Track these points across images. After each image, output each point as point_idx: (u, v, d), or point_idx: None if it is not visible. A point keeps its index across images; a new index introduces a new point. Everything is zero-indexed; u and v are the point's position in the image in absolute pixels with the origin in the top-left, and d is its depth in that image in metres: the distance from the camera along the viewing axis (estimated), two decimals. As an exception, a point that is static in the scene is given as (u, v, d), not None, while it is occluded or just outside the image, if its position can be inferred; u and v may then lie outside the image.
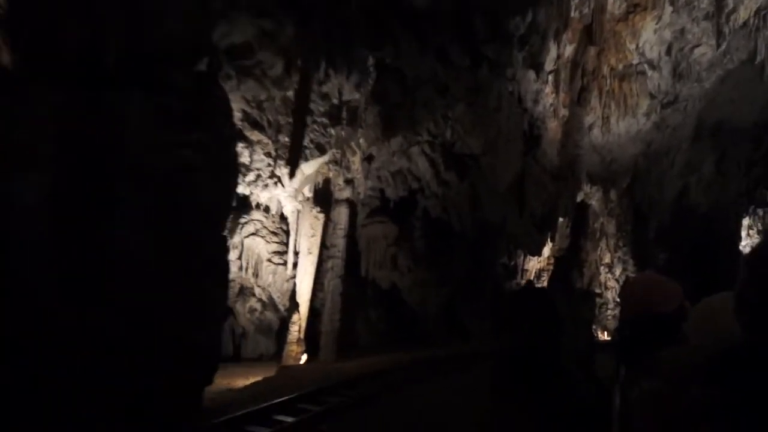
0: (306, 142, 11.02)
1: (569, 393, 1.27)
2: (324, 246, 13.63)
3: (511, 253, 22.83)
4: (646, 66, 16.12)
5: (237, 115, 9.25)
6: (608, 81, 16.86)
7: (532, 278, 25.29)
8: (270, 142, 10.81)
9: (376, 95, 11.50)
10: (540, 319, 1.36)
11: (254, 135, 10.78)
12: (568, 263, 27.32)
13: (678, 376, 0.75)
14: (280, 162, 10.99)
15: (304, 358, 12.67)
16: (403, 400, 8.69)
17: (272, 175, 11.52)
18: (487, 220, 16.24)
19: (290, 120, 10.55)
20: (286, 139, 10.73)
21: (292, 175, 10.67)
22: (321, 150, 11.50)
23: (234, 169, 7.67)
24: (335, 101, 11.24)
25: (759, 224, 32.36)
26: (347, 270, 14.66)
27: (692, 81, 17.53)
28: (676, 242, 27.37)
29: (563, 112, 15.65)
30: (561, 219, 23.63)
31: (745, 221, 32.42)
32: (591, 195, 23.62)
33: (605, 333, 24.26)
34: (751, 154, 30.00)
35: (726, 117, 24.44)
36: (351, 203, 14.01)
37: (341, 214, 13.56)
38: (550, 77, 14.69)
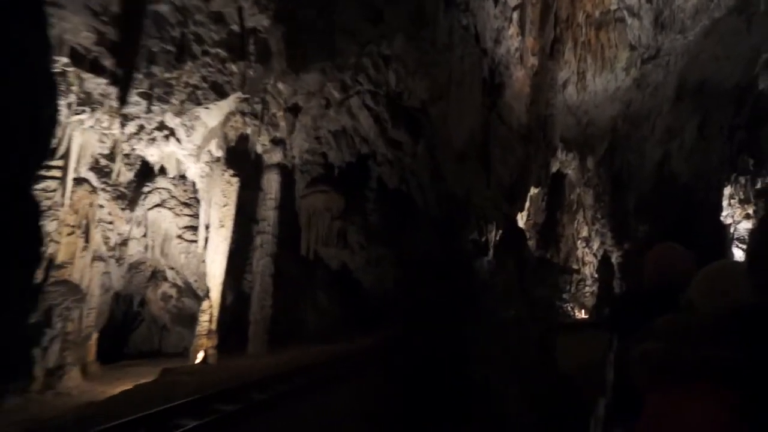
0: (196, 80, 8.28)
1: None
2: (253, 220, 10.90)
3: (481, 228, 20.19)
4: (625, 12, 13.60)
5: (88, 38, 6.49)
6: (584, 30, 14.24)
7: None
8: (142, 76, 8.03)
9: (280, 14, 8.73)
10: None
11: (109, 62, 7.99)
12: (543, 237, 24.85)
13: (683, 337, 0.67)
14: (165, 106, 8.21)
15: (212, 354, 9.99)
16: (297, 413, 6.11)
17: (161, 126, 8.75)
18: (453, 193, 13.62)
19: (170, 48, 7.78)
20: (168, 74, 7.96)
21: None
22: (220, 92, 8.77)
23: None
24: (235, 27, 8.48)
25: (741, 193, 30.04)
26: (288, 248, 11.90)
27: (675, 32, 15.05)
28: (657, 214, 25.01)
29: (532, 61, 13.08)
30: (535, 189, 21.06)
31: (727, 190, 30.05)
32: (567, 163, 21.12)
33: (582, 311, 21.86)
34: (732, 118, 27.61)
35: (709, 76, 22.01)
36: (284, 169, 11.29)
37: (271, 181, 10.94)
38: (515, 15, 12.03)
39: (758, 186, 29.31)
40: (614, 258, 21.30)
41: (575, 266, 24.11)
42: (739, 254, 31.43)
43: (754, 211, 30.37)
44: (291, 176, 11.72)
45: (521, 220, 22.80)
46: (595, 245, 21.72)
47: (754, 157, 29.38)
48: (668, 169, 25.74)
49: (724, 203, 30.50)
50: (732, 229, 31.08)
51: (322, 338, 13.44)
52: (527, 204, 22.98)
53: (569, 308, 22.37)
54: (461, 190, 13.49)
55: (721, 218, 29.35)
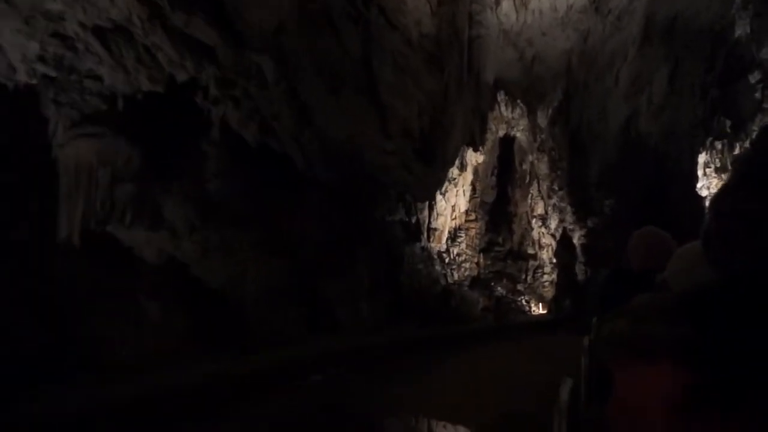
0: None
1: None
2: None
3: (409, 205, 14.40)
4: None
5: None
6: None
7: (443, 241, 16.94)
8: None
9: None
10: None
11: None
12: (493, 218, 19.22)
13: (644, 316, 0.59)
14: None
15: None
16: None
17: None
18: (341, 146, 7.96)
19: None
20: None
21: None
22: None
23: None
24: None
25: (717, 161, 24.47)
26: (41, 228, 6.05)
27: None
28: (624, 185, 19.49)
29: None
30: (476, 155, 15.44)
31: (702, 158, 24.37)
32: (514, 123, 15.49)
33: (539, 305, 16.17)
34: (705, 74, 22.09)
35: (681, 10, 16.61)
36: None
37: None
38: None
39: (736, 152, 23.92)
40: (576, 238, 15.76)
41: (531, 250, 18.47)
42: None
43: None
44: (25, 107, 5.94)
45: (462, 196, 17.04)
46: (553, 224, 16.22)
47: (731, 117, 23.94)
48: (636, 131, 20.32)
49: (699, 172, 24.89)
50: (707, 203, 25.27)
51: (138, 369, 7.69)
52: (470, 177, 17.26)
53: (524, 302, 16.70)
54: (340, 133, 7.90)
55: (697, 190, 23.78)
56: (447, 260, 17.99)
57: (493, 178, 21.08)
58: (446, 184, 16.66)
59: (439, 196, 16.76)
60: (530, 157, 17.82)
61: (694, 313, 0.56)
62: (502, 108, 16.28)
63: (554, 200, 17.06)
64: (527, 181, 18.43)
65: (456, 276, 18.07)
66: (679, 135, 22.19)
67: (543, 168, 17.19)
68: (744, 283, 0.57)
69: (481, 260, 19.27)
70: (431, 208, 16.72)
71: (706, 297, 0.57)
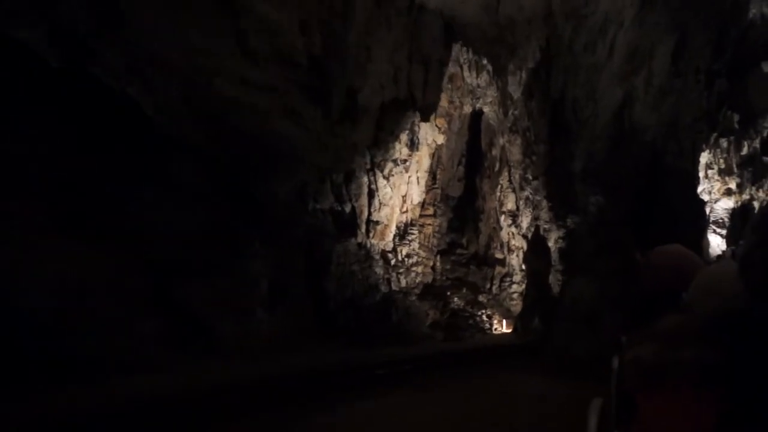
0: None
1: None
2: None
3: (338, 188, 10.63)
4: None
5: None
6: None
7: (388, 238, 13.07)
8: None
9: None
10: None
11: None
12: (458, 214, 15.63)
13: (671, 340, 0.61)
14: None
15: None
16: None
17: None
18: (177, 69, 4.12)
19: None
20: None
21: None
22: None
23: None
24: None
25: (721, 161, 20.48)
26: None
27: None
28: (614, 181, 15.65)
29: None
30: (429, 127, 11.84)
31: (704, 157, 20.30)
32: (480, 93, 11.85)
33: (503, 323, 12.34)
34: (712, 60, 18.34)
35: None
36: None
37: None
38: None
39: (743, 152, 20.20)
40: (552, 240, 11.94)
41: (499, 255, 14.69)
42: (716, 242, 21.71)
43: (738, 186, 21.02)
44: None
45: (415, 184, 13.25)
46: (525, 222, 12.47)
47: (740, 112, 20.05)
48: (630, 120, 16.62)
49: (701, 174, 20.83)
50: (708, 209, 21.35)
51: None
52: (426, 161, 13.51)
53: (484, 318, 12.88)
54: (174, 56, 4.15)
55: (698, 193, 19.84)
56: (393, 262, 14.21)
57: (461, 169, 17.34)
58: (391, 165, 12.90)
59: (382, 180, 12.97)
60: (501, 140, 14.08)
61: (729, 339, 0.52)
62: (465, 72, 12.54)
63: (527, 192, 13.35)
64: (497, 169, 14.67)
65: (404, 282, 14.31)
66: (681, 129, 18.57)
67: (515, 152, 13.48)
68: None
69: (438, 264, 15.53)
70: (371, 195, 12.92)
71: (742, 322, 0.54)
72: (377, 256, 13.86)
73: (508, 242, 14.85)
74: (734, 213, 22.47)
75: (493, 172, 15.05)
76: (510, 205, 14.58)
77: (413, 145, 13.17)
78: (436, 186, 16.15)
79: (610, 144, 16.49)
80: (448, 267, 15.88)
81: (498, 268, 15.31)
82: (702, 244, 21.54)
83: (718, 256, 21.11)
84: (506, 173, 14.39)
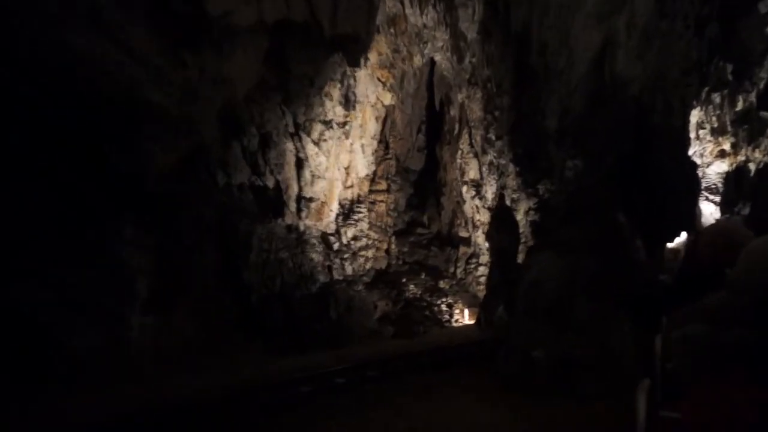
0: None
1: None
2: None
3: (254, 157, 7.93)
4: None
5: None
6: None
7: (329, 218, 10.40)
8: None
9: None
10: None
11: None
12: (418, 190, 13.23)
13: (720, 319, 0.69)
14: None
15: None
16: None
17: None
18: None
19: None
20: None
21: None
22: None
23: None
24: None
25: (714, 119, 18.17)
26: None
27: None
28: (595, 142, 13.11)
29: None
30: (368, 79, 9.31)
31: (695, 115, 17.89)
32: (428, 36, 9.34)
33: (465, 313, 9.96)
34: (701, 5, 15.77)
35: None
36: None
37: None
38: None
39: (738, 107, 17.94)
40: (522, 212, 9.50)
41: (463, 233, 12.31)
42: (709, 210, 19.42)
43: (732, 146, 18.81)
44: None
45: (360, 153, 10.80)
46: (490, 191, 9.99)
47: (733, 61, 17.74)
48: (611, 72, 14.22)
49: (692, 135, 18.49)
50: (701, 173, 19.04)
51: None
52: (371, 125, 11.09)
53: (445, 307, 10.48)
54: None
55: (690, 155, 17.54)
56: (336, 246, 11.77)
57: (421, 137, 14.85)
58: (320, 127, 10.40)
59: (312, 147, 10.50)
60: (459, 95, 11.60)
61: None
62: (407, 8, 9.99)
63: (490, 156, 10.93)
64: (456, 132, 12.21)
65: (349, 269, 11.92)
66: (669, 82, 16.23)
67: (475, 109, 11.04)
68: None
69: (394, 246, 13.13)
70: (300, 166, 10.42)
71: None
72: (314, 240, 11.42)
73: (473, 217, 12.46)
74: (728, 177, 20.01)
75: (453, 136, 12.59)
76: (473, 173, 12.16)
77: (349, 103, 10.65)
78: (389, 156, 13.67)
79: (588, 99, 14.09)
80: (405, 250, 13.48)
81: (463, 249, 12.93)
82: (694, 212, 19.13)
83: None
84: (467, 136, 11.94)
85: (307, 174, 10.80)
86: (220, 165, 9.80)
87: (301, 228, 11.17)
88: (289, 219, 10.90)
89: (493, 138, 10.88)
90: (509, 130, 10.74)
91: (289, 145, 10.18)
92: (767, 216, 18.92)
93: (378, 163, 13.35)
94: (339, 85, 10.21)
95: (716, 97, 17.26)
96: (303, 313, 10.71)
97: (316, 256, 11.40)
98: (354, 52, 8.50)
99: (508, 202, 10.93)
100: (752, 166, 18.37)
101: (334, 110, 10.54)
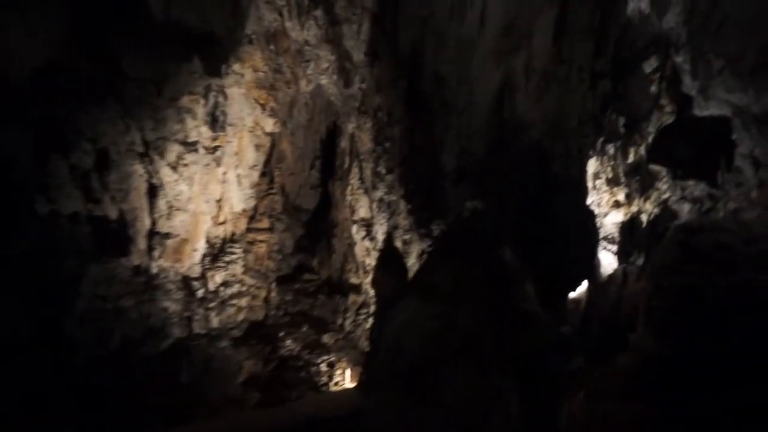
0: None
1: None
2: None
3: (86, 178, 5.72)
4: None
5: None
6: None
7: (190, 259, 8.16)
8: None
9: None
10: None
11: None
12: (310, 230, 11.57)
13: (602, 392, 0.46)
14: None
15: None
16: None
17: None
18: None
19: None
20: None
21: None
22: None
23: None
24: None
25: (609, 170, 18.24)
26: None
27: None
28: (497, 186, 12.01)
29: None
30: (245, 103, 7.55)
31: (592, 166, 17.89)
32: (310, 54, 7.89)
33: (347, 373, 8.15)
34: (594, 59, 15.91)
35: None
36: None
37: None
38: None
39: (630, 159, 18.29)
40: (414, 256, 8.08)
41: (354, 279, 10.72)
42: (607, 260, 19.34)
43: (626, 197, 19.03)
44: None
45: (236, 184, 8.99)
46: (380, 232, 8.53)
47: (624, 115, 18.10)
48: (512, 111, 13.66)
49: (590, 184, 18.43)
50: (598, 224, 18.91)
51: None
52: (250, 153, 9.49)
53: (325, 367, 8.66)
54: None
55: (588, 204, 17.28)
56: (201, 293, 9.77)
57: (314, 173, 13.37)
58: (179, 149, 8.65)
59: (168, 172, 8.65)
60: (349, 125, 10.36)
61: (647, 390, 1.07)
62: (286, 21, 8.71)
63: (381, 192, 9.71)
64: (347, 166, 10.92)
65: (216, 321, 9.88)
66: (567, 131, 16.15)
67: (365, 140, 9.82)
68: (693, 354, 1.01)
69: (274, 294, 11.31)
70: (152, 195, 8.50)
71: (654, 372, 1.20)
72: (171, 285, 9.41)
73: (364, 261, 11.03)
74: (623, 227, 20.17)
75: (343, 171, 11.29)
76: (363, 211, 10.84)
77: (217, 124, 9.03)
78: (273, 191, 12.05)
79: (490, 141, 13.48)
80: (289, 298, 11.71)
81: (352, 297, 11.40)
82: (594, 261, 18.90)
83: (610, 276, 18.72)
84: (357, 170, 10.68)
85: (162, 204, 8.91)
86: (38, 188, 7.72)
87: (153, 270, 9.14)
88: (136, 259, 8.86)
89: (384, 172, 9.68)
90: (400, 162, 9.61)
91: (137, 168, 8.31)
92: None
93: (260, 198, 11.68)
94: (203, 101, 8.61)
95: (610, 148, 17.56)
96: (147, 375, 8.55)
97: (172, 305, 9.36)
98: (211, 57, 7.01)
99: (398, 244, 9.66)
100: (644, 218, 18.78)
101: (198, 131, 8.87)
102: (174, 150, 8.55)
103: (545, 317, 3.47)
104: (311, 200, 13.74)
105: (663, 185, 18.54)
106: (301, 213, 13.52)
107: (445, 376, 3.22)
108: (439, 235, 9.11)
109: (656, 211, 19.19)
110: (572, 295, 17.09)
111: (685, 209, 19.58)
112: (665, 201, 19.02)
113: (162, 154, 8.37)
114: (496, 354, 3.20)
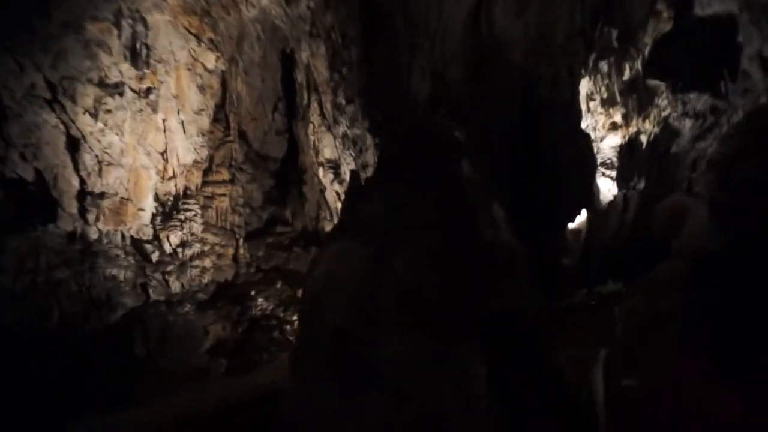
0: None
1: None
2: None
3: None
4: None
5: None
6: None
7: (137, 220, 6.75)
8: None
9: None
10: None
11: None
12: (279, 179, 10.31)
13: (655, 289, 0.62)
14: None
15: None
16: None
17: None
18: None
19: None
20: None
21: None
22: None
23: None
24: None
25: (603, 89, 16.78)
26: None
27: None
28: (478, 116, 10.61)
29: None
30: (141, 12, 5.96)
31: (584, 85, 16.37)
32: None
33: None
34: None
35: None
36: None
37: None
38: None
39: (625, 76, 16.82)
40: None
41: (329, 226, 9.52)
42: (606, 186, 18.16)
43: (624, 117, 17.67)
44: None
45: (181, 134, 7.59)
46: (346, 168, 7.20)
47: (617, 26, 16.44)
48: (490, 27, 12.19)
49: (583, 107, 16.98)
50: (595, 149, 17.71)
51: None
52: (193, 95, 8.02)
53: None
54: None
55: (584, 128, 15.94)
56: (156, 257, 8.67)
57: (279, 117, 12.00)
58: (97, 92, 7.28)
59: (91, 122, 7.32)
60: (302, 53, 8.92)
61: (699, 285, 0.52)
62: None
63: (343, 126, 8.38)
64: (306, 101, 9.56)
65: (177, 286, 8.82)
66: (554, 49, 14.67)
67: (321, 68, 8.41)
68: (758, 246, 0.52)
69: (243, 251, 10.23)
70: (75, 148, 7.23)
71: (709, 269, 0.53)
72: (116, 251, 8.28)
73: (336, 207, 9.88)
74: (622, 151, 18.82)
75: (304, 108, 9.94)
76: (328, 151, 9.60)
77: (138, 59, 7.62)
78: (230, 139, 10.74)
79: (468, 66, 12.06)
80: (260, 254, 10.67)
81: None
82: (592, 189, 17.67)
83: (610, 203, 17.57)
84: (317, 104, 9.33)
85: (88, 160, 7.66)
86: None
87: (92, 235, 8.01)
88: (67, 224, 7.70)
89: (344, 102, 8.35)
90: (361, 90, 8.27)
91: (48, 117, 7.02)
92: (660, 191, 18.20)
93: (214, 148, 10.40)
94: (115, 30, 7.19)
95: (603, 66, 16.06)
96: (95, 352, 7.58)
97: (121, 273, 8.29)
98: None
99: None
100: (643, 138, 17.49)
101: (119, 69, 7.50)
102: (89, 93, 7.21)
103: (520, 247, 2.45)
104: (278, 147, 12.43)
105: (662, 101, 17.10)
106: (269, 162, 12.26)
107: (377, 344, 2.23)
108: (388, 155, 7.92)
109: (656, 130, 17.88)
110: (571, 225, 16.12)
111: (686, 126, 18.26)
112: (665, 119, 17.68)
113: (74, 99, 7.05)
114: (448, 309, 2.19)
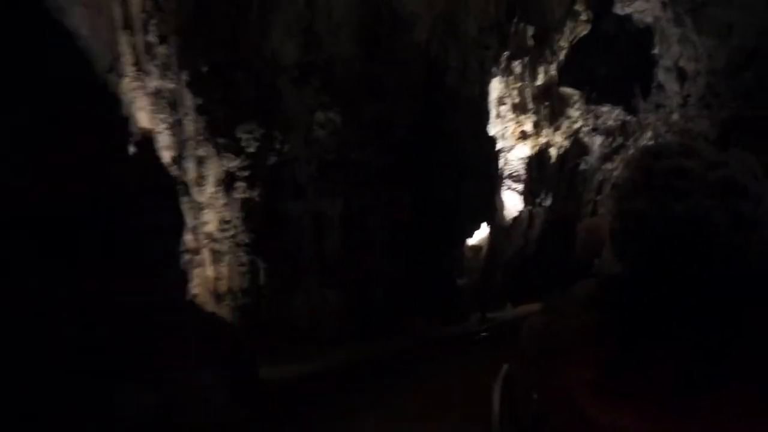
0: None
1: None
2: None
3: None
4: None
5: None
6: None
7: None
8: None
9: None
10: None
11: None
12: None
13: (563, 307, 0.67)
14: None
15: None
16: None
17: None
18: None
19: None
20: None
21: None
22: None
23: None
24: None
25: (515, 93, 15.09)
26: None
27: None
28: (370, 90, 7.56)
29: None
30: None
31: (495, 89, 14.45)
32: None
33: None
34: None
35: None
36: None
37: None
38: None
39: (540, 80, 15.34)
40: (211, 183, 3.68)
41: None
42: (512, 200, 16.41)
43: (535, 126, 16.13)
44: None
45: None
46: (162, 145, 4.09)
47: (534, 23, 14.82)
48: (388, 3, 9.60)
49: (493, 111, 15.27)
50: (502, 161, 16.00)
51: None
52: None
53: None
54: None
55: (489, 131, 14.11)
56: None
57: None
58: None
59: None
60: None
61: (598, 304, 0.59)
62: None
63: (155, 78, 5.55)
64: (120, 47, 6.56)
65: None
66: (465, 39, 12.85)
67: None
68: (642, 273, 0.60)
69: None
70: None
71: (614, 286, 0.61)
72: None
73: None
74: (530, 163, 17.25)
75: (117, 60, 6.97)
76: (143, 117, 6.69)
77: None
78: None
79: (358, 38, 9.69)
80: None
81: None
82: (494, 201, 15.71)
83: (515, 219, 15.76)
84: (130, 50, 6.44)
85: None
86: None
87: None
88: None
89: (156, 41, 5.62)
90: (180, 28, 5.58)
91: None
92: (568, 208, 16.97)
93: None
94: None
95: (517, 66, 14.51)
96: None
97: None
98: None
99: (189, 165, 5.78)
100: (553, 152, 16.18)
101: None
102: None
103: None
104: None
105: (575, 112, 15.84)
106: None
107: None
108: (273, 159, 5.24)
109: (566, 144, 16.66)
110: (470, 241, 14.35)
111: (596, 143, 17.23)
112: (576, 132, 16.51)
113: None
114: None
